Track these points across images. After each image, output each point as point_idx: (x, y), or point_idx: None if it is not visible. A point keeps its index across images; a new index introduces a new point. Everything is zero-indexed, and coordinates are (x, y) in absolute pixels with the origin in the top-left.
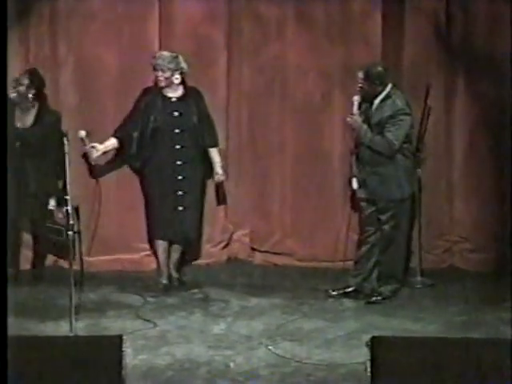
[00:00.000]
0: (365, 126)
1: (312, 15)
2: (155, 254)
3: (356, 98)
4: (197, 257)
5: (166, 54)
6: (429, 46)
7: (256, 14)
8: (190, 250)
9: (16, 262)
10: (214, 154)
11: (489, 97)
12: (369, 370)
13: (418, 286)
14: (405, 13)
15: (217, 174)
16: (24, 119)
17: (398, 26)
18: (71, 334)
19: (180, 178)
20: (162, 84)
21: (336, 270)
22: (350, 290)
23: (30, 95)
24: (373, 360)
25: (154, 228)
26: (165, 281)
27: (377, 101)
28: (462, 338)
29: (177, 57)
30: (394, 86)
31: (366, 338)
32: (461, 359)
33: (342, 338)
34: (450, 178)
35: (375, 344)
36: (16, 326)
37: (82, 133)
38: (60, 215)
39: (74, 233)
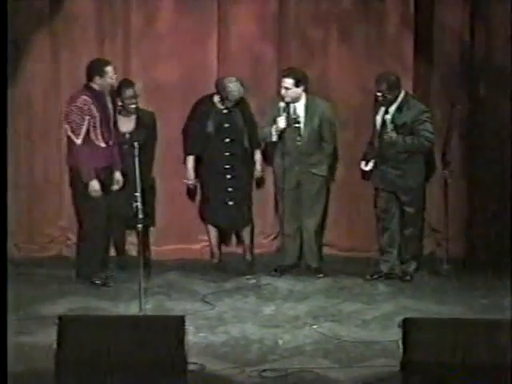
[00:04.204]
0: (400, 138)
1: (352, 36)
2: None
3: (378, 119)
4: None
5: (233, 87)
6: (455, 62)
7: (303, 34)
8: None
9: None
10: (257, 154)
11: (508, 110)
12: (401, 347)
13: (445, 273)
14: (433, 33)
15: (256, 170)
16: (127, 123)
17: (428, 44)
18: (141, 314)
19: (229, 177)
20: (220, 107)
21: (373, 259)
22: (382, 274)
23: (135, 105)
24: (404, 338)
25: (207, 216)
26: (215, 260)
27: (395, 105)
28: (482, 319)
29: (238, 84)
30: (406, 92)
31: (399, 319)
32: (481, 337)
33: (377, 318)
34: (473, 178)
35: (407, 324)
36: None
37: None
38: None
39: (144, 226)
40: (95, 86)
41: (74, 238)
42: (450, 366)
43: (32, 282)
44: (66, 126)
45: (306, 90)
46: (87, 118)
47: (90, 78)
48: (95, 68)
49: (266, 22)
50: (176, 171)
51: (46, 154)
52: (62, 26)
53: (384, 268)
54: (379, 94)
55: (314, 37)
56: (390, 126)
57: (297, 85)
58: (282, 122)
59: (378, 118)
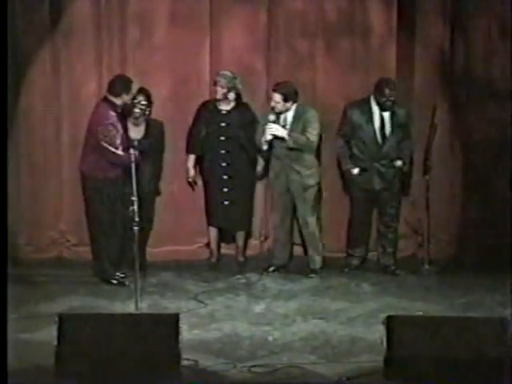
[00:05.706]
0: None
1: (338, 47)
2: (207, 245)
3: (376, 125)
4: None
5: (227, 73)
6: (435, 72)
7: (291, 46)
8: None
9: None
10: (258, 157)
11: (486, 116)
12: (384, 343)
13: (426, 274)
14: (415, 44)
15: (258, 171)
16: (136, 131)
17: (410, 55)
18: (137, 312)
19: (225, 177)
20: (219, 97)
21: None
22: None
23: (147, 112)
24: (388, 335)
25: (207, 216)
26: (213, 260)
27: (394, 108)
28: (462, 317)
29: (235, 78)
30: None
31: (383, 316)
32: (461, 334)
33: (362, 316)
34: (454, 181)
35: (390, 322)
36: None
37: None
38: None
39: (139, 228)
40: (118, 102)
41: (73, 240)
42: (431, 361)
43: (33, 282)
44: (100, 136)
45: (295, 102)
46: (117, 130)
47: (116, 94)
48: (124, 85)
49: (256, 35)
50: (172, 175)
51: (45, 160)
52: (61, 38)
53: (356, 262)
54: (391, 98)
55: (301, 48)
56: (388, 130)
57: (285, 100)
58: (268, 134)
59: (376, 124)
